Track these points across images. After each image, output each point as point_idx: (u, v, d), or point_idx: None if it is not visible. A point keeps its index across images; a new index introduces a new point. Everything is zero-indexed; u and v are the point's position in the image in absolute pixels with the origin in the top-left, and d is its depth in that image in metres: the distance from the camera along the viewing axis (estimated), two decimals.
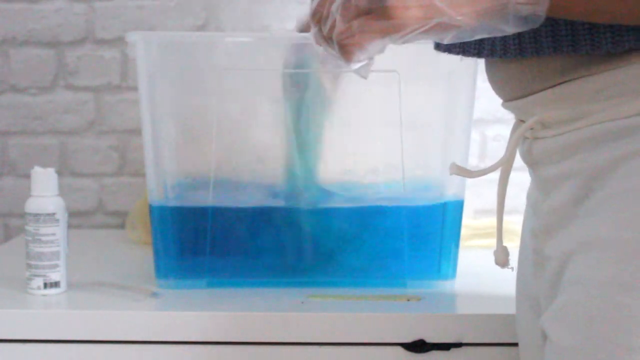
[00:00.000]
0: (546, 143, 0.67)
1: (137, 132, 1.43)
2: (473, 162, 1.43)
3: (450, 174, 0.73)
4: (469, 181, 1.02)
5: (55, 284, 0.94)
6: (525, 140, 0.70)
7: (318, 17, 0.58)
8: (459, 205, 1.00)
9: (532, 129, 0.68)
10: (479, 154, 1.44)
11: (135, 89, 1.39)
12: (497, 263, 0.72)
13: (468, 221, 1.27)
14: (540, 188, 0.70)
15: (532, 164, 0.71)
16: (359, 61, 0.57)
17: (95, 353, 0.87)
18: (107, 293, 0.95)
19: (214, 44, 1.00)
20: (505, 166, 0.72)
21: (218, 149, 0.97)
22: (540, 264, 0.69)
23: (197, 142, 1.00)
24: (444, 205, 0.99)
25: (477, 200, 1.37)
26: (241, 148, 1.00)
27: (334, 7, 0.56)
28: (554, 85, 0.64)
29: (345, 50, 0.56)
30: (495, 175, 0.74)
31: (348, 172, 1.00)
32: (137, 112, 1.38)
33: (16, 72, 1.45)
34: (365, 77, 0.60)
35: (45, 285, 0.93)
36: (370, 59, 0.57)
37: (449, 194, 0.99)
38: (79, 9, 1.44)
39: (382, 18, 0.54)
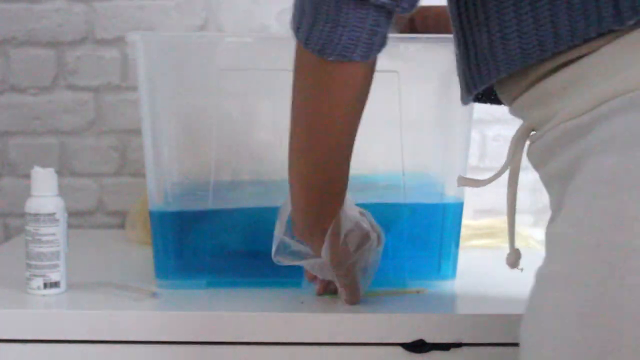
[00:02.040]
0: (533, 146, 0.68)
1: (137, 132, 1.43)
2: (473, 162, 1.43)
3: (458, 186, 0.74)
4: None
5: (55, 284, 0.94)
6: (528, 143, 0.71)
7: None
8: (459, 206, 1.00)
9: (532, 132, 0.69)
10: (479, 154, 1.44)
11: (135, 89, 1.39)
12: (508, 264, 0.74)
13: (468, 221, 1.27)
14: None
15: (533, 166, 0.71)
16: None
17: (95, 353, 0.87)
18: (107, 293, 0.95)
19: (214, 44, 1.00)
20: (512, 169, 0.72)
21: (218, 148, 0.97)
22: None
23: (197, 142, 1.00)
24: (444, 205, 0.99)
25: (477, 200, 1.37)
26: (241, 148, 1.00)
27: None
28: (531, 87, 0.66)
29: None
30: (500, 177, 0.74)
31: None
32: (137, 112, 1.39)
33: (16, 72, 1.45)
34: None
35: (45, 285, 0.93)
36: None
37: (449, 194, 0.99)
38: (79, 9, 1.44)
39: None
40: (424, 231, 0.99)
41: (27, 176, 0.95)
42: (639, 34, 0.60)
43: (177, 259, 0.98)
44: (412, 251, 0.99)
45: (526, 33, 0.63)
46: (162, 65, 0.96)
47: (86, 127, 1.45)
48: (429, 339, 0.86)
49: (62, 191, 0.97)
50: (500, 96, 0.72)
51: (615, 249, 0.56)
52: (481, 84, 0.69)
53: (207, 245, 0.97)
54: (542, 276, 0.62)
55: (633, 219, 0.55)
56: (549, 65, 0.64)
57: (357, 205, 0.86)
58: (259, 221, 0.98)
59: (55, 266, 0.93)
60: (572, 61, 0.63)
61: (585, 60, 0.62)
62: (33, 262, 0.93)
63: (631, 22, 0.59)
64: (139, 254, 1.19)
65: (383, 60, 0.73)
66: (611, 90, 0.59)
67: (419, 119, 1.00)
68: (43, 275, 0.93)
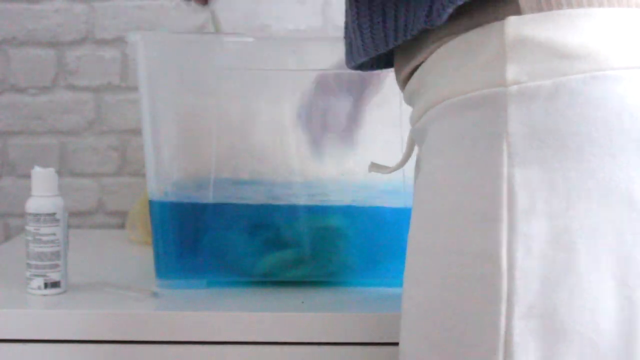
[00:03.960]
0: None
1: (137, 132, 1.43)
2: None
3: (370, 172, 0.81)
4: None
5: (55, 284, 0.94)
6: None
7: None
8: None
9: None
10: None
11: (135, 89, 1.39)
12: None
13: None
14: None
15: None
16: None
17: (95, 353, 0.87)
18: (107, 293, 0.95)
19: (214, 44, 1.00)
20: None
21: (218, 148, 0.97)
22: None
23: (197, 142, 1.00)
24: None
25: None
26: (241, 148, 1.00)
27: None
28: (404, 84, 0.72)
29: None
30: None
31: (348, 172, 1.00)
32: (137, 112, 1.39)
33: (16, 72, 1.45)
34: None
35: (46, 285, 0.93)
36: None
37: None
38: (79, 9, 1.44)
39: None
40: None
41: (27, 176, 0.96)
42: (456, 41, 0.62)
43: (177, 259, 0.98)
44: None
45: (377, 23, 0.67)
46: (162, 65, 0.96)
47: (86, 127, 1.45)
48: None
49: (62, 191, 0.97)
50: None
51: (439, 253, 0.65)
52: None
53: (207, 245, 0.97)
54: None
55: (447, 221, 0.62)
56: (408, 69, 0.68)
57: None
58: (259, 221, 0.98)
59: (56, 266, 0.93)
60: (418, 66, 0.66)
61: (423, 66, 0.66)
62: (33, 262, 0.93)
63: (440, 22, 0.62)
64: (139, 254, 1.19)
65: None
66: (432, 99, 0.63)
67: None
68: (43, 275, 0.93)
